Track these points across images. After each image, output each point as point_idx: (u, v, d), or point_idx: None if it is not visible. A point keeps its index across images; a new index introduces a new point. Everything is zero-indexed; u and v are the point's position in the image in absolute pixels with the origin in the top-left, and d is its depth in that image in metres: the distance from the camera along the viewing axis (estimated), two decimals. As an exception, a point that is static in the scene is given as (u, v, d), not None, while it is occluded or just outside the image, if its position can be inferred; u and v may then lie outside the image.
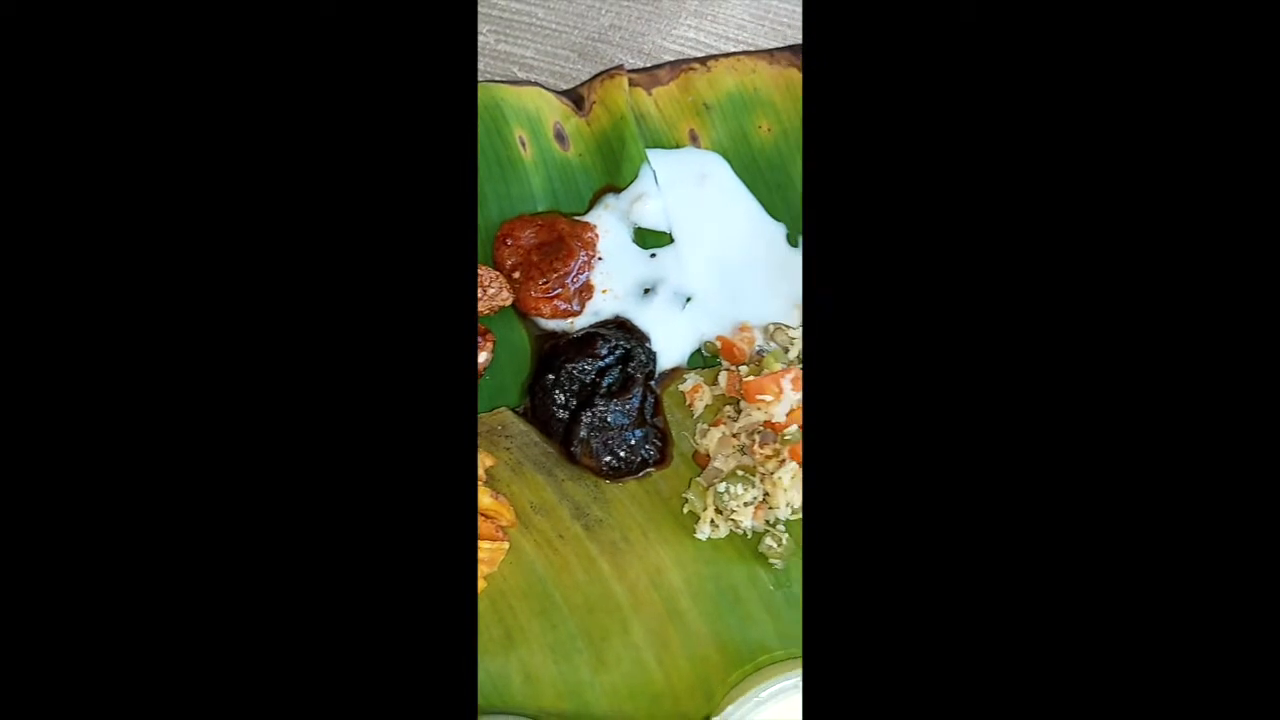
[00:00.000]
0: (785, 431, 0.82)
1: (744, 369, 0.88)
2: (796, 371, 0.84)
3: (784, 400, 0.83)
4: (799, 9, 1.04)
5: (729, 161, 0.97)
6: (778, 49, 0.99)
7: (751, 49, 1.00)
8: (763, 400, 0.83)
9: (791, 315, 0.92)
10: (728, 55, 0.99)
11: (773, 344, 0.90)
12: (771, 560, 0.82)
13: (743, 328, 0.91)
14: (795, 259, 0.94)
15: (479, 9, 1.02)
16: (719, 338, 0.91)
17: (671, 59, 1.00)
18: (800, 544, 0.83)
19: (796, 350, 0.89)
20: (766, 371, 0.85)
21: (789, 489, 0.81)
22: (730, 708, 0.70)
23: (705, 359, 0.91)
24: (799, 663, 0.73)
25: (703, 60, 0.99)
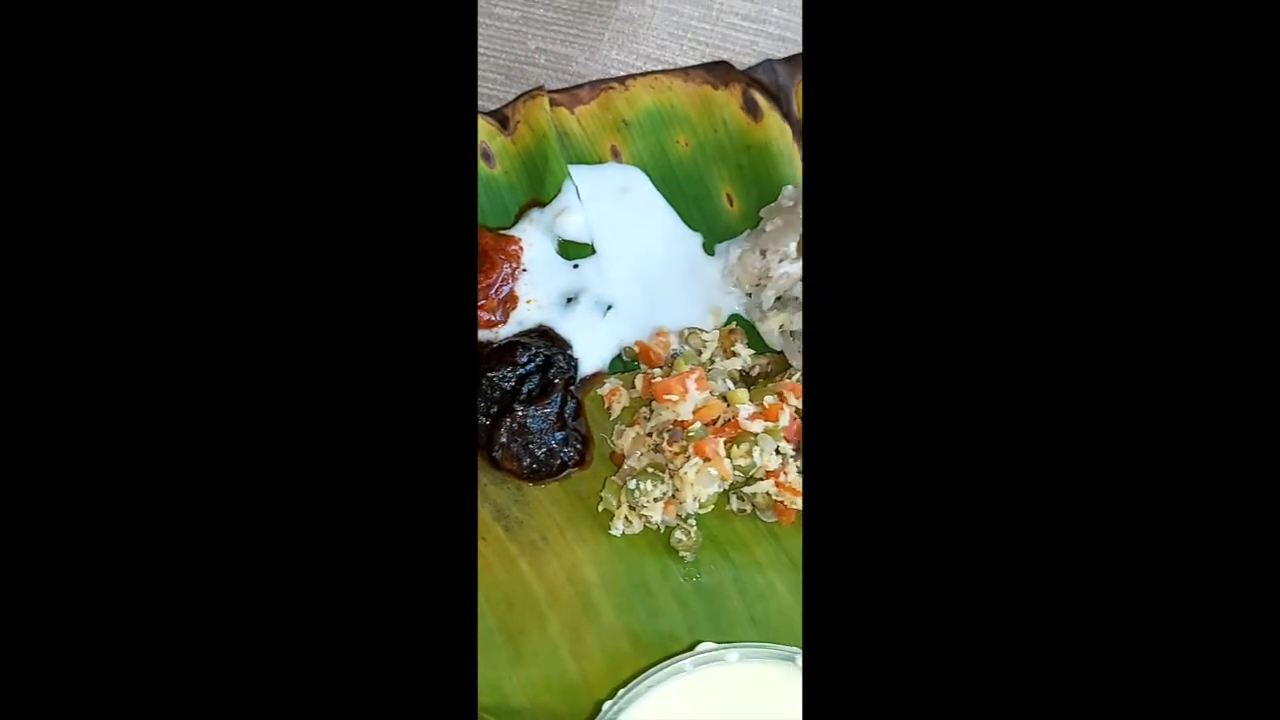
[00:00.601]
0: (690, 429, 0.86)
1: (657, 372, 0.91)
2: (700, 372, 0.88)
3: (689, 399, 0.86)
4: (715, 28, 1.08)
5: (649, 175, 1.01)
6: (692, 67, 1.03)
7: (670, 67, 1.04)
8: (670, 399, 0.86)
9: (706, 320, 0.95)
10: (645, 74, 1.03)
11: (686, 347, 0.93)
12: (681, 553, 0.85)
13: (660, 333, 0.94)
14: (711, 267, 0.98)
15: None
16: (638, 343, 0.94)
17: (595, 79, 1.04)
18: (708, 537, 0.87)
19: (709, 353, 0.92)
20: (676, 373, 0.88)
21: (695, 483, 0.84)
22: (620, 690, 0.72)
23: (625, 364, 0.95)
24: (693, 650, 0.76)
25: (621, 80, 1.03)
